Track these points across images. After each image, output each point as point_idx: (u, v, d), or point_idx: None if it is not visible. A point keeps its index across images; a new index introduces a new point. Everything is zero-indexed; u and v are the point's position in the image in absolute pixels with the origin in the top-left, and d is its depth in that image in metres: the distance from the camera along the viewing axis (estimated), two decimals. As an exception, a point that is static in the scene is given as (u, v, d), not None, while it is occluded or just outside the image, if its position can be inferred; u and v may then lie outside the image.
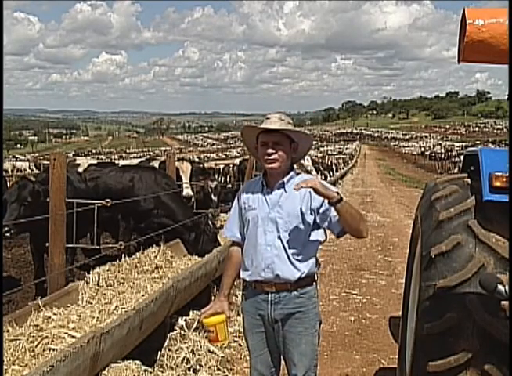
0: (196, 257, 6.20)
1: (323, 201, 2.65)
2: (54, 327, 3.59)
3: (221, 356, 4.45)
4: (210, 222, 6.73)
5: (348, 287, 7.38)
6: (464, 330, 2.74)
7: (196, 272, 5.12)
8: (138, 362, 3.56)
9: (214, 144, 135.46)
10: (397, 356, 3.95)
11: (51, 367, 2.70)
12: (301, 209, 2.71)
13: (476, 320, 2.69)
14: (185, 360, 4.21)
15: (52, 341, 3.39)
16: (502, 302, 1.84)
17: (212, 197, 9.68)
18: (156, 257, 5.79)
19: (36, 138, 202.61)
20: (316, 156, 34.57)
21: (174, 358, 4.20)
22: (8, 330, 3.43)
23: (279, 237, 2.71)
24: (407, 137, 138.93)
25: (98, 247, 6.29)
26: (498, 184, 2.77)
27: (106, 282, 4.74)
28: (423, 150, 67.43)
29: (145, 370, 3.56)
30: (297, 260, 2.71)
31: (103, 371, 3.35)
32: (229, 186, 13.35)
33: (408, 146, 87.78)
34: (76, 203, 5.00)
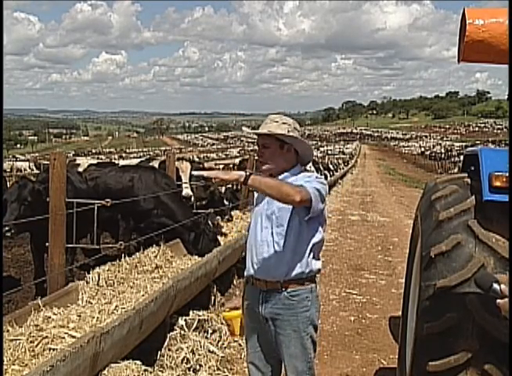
0: (196, 257, 6.20)
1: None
2: (54, 326, 3.59)
3: (221, 356, 4.46)
4: (209, 222, 6.73)
5: (348, 287, 7.38)
6: (464, 330, 2.75)
7: (196, 272, 5.12)
8: (138, 362, 3.56)
9: (214, 144, 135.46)
10: (397, 356, 3.95)
11: (51, 367, 2.70)
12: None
13: (476, 320, 2.69)
14: (185, 360, 4.21)
15: (52, 341, 3.39)
16: (498, 301, 1.85)
17: (225, 201, 9.67)
18: (156, 257, 5.78)
19: (36, 138, 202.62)
20: (316, 156, 34.55)
21: (174, 358, 4.20)
22: (8, 330, 3.43)
23: (272, 234, 2.71)
24: (407, 137, 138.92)
25: (98, 247, 6.29)
26: (498, 184, 2.77)
27: (106, 282, 4.74)
28: (423, 149, 67.45)
29: (145, 370, 3.56)
30: (288, 258, 2.67)
31: (103, 371, 3.34)
32: (229, 186, 13.34)
33: (408, 146, 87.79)
34: (76, 203, 4.99)
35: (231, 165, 16.62)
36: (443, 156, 52.20)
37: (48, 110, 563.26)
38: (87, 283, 4.63)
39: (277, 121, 2.72)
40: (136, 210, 6.48)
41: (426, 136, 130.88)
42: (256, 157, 2.85)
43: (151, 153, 75.58)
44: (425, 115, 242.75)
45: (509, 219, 2.63)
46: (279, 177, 2.75)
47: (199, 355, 4.30)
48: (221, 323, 4.98)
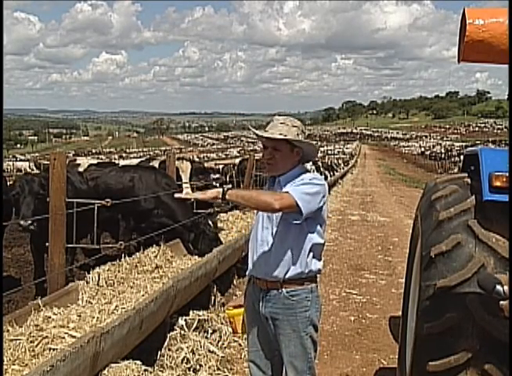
0: (196, 257, 6.20)
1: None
2: (54, 326, 3.59)
3: (221, 356, 4.45)
4: (210, 222, 6.72)
5: (348, 287, 7.38)
6: (464, 330, 2.75)
7: (196, 272, 5.12)
8: (138, 362, 3.56)
9: (214, 144, 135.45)
10: (397, 356, 3.95)
11: (51, 367, 2.70)
12: None
13: (476, 320, 2.69)
14: (185, 360, 4.21)
15: (52, 341, 3.39)
16: (501, 302, 1.85)
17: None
18: (156, 257, 5.78)
19: (36, 138, 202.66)
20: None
21: (174, 358, 4.20)
22: (8, 330, 3.43)
23: (272, 234, 2.73)
24: (407, 137, 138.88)
25: (98, 247, 6.29)
26: (498, 184, 2.77)
27: (106, 282, 4.74)
28: (423, 149, 67.44)
29: (145, 370, 3.56)
30: (287, 258, 2.69)
31: (103, 371, 3.34)
32: (229, 185, 13.35)
33: (408, 146, 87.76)
34: (76, 203, 4.99)
35: (231, 165, 16.60)
36: (443, 156, 52.16)
37: (48, 110, 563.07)
38: (87, 283, 4.63)
39: (287, 124, 2.72)
40: (136, 210, 6.48)
41: (426, 136, 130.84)
42: (261, 158, 2.89)
43: (151, 153, 75.60)
44: (425, 115, 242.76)
45: (509, 219, 2.63)
46: (281, 178, 2.76)
47: (199, 355, 4.30)
48: (222, 323, 4.99)
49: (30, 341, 3.32)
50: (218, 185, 9.57)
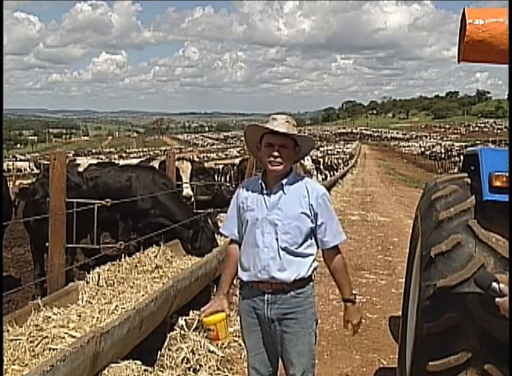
0: (196, 257, 6.20)
1: (319, 204, 2.71)
2: (54, 326, 3.59)
3: (221, 356, 4.45)
4: (209, 221, 6.72)
5: (348, 287, 7.37)
6: (464, 330, 2.74)
7: (196, 271, 5.12)
8: (138, 362, 3.56)
9: (214, 144, 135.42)
10: (397, 356, 3.95)
11: (51, 367, 2.70)
12: (299, 211, 2.71)
13: (476, 320, 2.69)
14: (185, 360, 4.21)
15: (52, 340, 3.39)
16: (497, 299, 1.87)
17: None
18: (156, 257, 5.79)
19: (36, 138, 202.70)
20: (316, 156, 34.55)
21: (174, 358, 4.20)
22: (8, 330, 3.43)
23: (277, 239, 2.70)
24: (407, 137, 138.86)
25: (98, 247, 6.29)
26: (498, 184, 2.77)
27: (106, 282, 4.74)
28: (423, 149, 67.44)
29: (145, 370, 3.56)
30: (294, 262, 2.70)
31: (103, 371, 3.34)
32: (228, 185, 13.35)
33: (408, 146, 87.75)
34: (75, 202, 4.99)
35: (231, 165, 16.61)
36: (443, 156, 52.15)
37: (48, 110, 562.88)
38: (87, 283, 4.63)
39: (290, 122, 2.72)
40: (134, 210, 6.47)
41: (426, 136, 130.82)
42: (266, 156, 2.84)
43: (151, 153, 75.59)
44: (425, 115, 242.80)
45: (509, 219, 2.62)
46: (283, 181, 2.73)
47: (199, 355, 4.29)
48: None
49: (30, 341, 3.32)
50: (217, 186, 9.57)
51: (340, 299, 2.93)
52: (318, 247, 2.80)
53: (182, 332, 4.60)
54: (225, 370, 4.30)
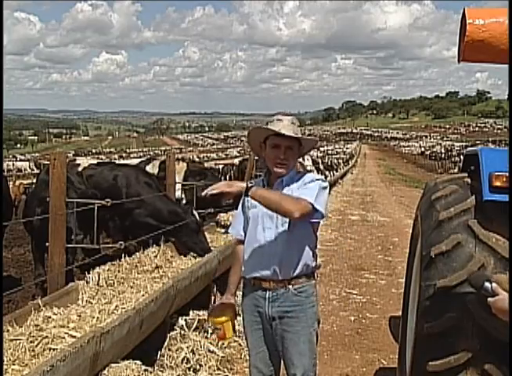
0: (196, 256, 6.20)
1: (307, 183, 2.71)
2: (54, 326, 3.59)
3: (221, 356, 4.45)
4: (193, 212, 6.64)
5: (348, 287, 7.38)
6: (464, 330, 2.75)
7: (196, 271, 5.12)
8: (138, 362, 3.56)
9: (214, 144, 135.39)
10: (397, 356, 3.95)
11: (51, 367, 2.70)
12: None
13: (476, 320, 2.69)
14: (185, 360, 4.21)
15: (52, 340, 3.38)
16: (489, 299, 1.89)
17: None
18: (156, 257, 5.79)
19: (36, 138, 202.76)
20: (316, 156, 34.55)
21: (174, 358, 4.20)
22: (8, 330, 3.42)
23: (278, 234, 2.72)
24: (407, 137, 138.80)
25: (98, 246, 6.28)
26: (498, 184, 2.77)
27: (106, 282, 4.73)
28: (423, 149, 67.41)
29: (145, 370, 3.56)
30: (295, 256, 2.72)
31: (103, 371, 3.34)
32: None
33: (408, 146, 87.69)
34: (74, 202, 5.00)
35: (231, 165, 16.61)
36: (443, 156, 52.09)
37: (48, 110, 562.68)
38: (87, 283, 4.63)
39: (295, 123, 2.75)
40: (120, 208, 6.48)
41: (426, 136, 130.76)
42: (272, 158, 2.85)
43: (151, 153, 75.60)
44: (425, 115, 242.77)
45: (509, 219, 2.63)
46: (284, 178, 2.76)
47: (199, 355, 4.29)
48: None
49: (30, 341, 3.32)
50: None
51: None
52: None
53: (182, 332, 4.60)
54: (225, 370, 4.30)
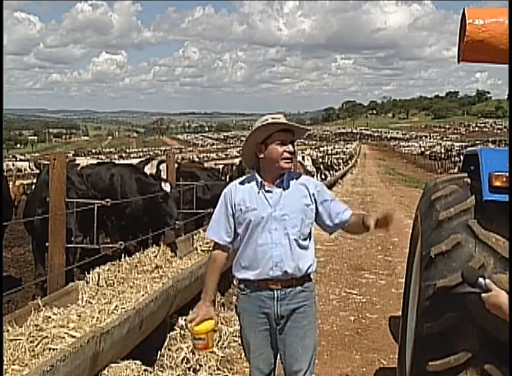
0: (196, 257, 6.20)
1: (319, 191, 2.78)
2: (54, 326, 3.59)
3: (221, 356, 4.45)
4: (163, 187, 6.65)
5: (348, 287, 7.37)
6: (464, 330, 2.75)
7: (196, 271, 5.13)
8: (138, 362, 3.56)
9: (214, 144, 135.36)
10: (397, 356, 3.95)
11: (51, 367, 2.70)
12: (303, 203, 2.75)
13: (476, 320, 2.69)
14: (185, 360, 4.21)
15: (52, 340, 3.39)
16: (483, 295, 1.91)
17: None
18: (156, 257, 5.79)
19: (36, 138, 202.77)
20: (316, 156, 34.55)
21: (174, 358, 4.20)
22: (8, 330, 3.42)
23: (286, 234, 2.70)
24: (407, 137, 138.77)
25: (97, 246, 6.29)
26: (498, 184, 2.77)
27: (106, 282, 4.74)
28: (423, 149, 67.40)
29: (145, 370, 3.57)
30: (303, 255, 2.73)
31: (103, 371, 3.35)
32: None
33: (408, 146, 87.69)
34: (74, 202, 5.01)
35: (231, 165, 16.61)
36: (443, 156, 52.07)
37: (48, 110, 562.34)
38: (87, 283, 4.63)
39: (285, 117, 2.81)
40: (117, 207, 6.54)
41: (426, 136, 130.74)
42: (280, 154, 2.83)
43: (151, 153, 75.58)
44: (425, 115, 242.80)
45: (509, 219, 2.63)
46: (284, 177, 2.76)
47: (199, 355, 4.29)
48: (222, 323, 4.97)
49: (30, 341, 3.32)
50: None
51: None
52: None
53: (182, 332, 4.61)
54: (225, 370, 4.30)
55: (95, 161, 10.14)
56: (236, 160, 16.74)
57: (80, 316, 3.87)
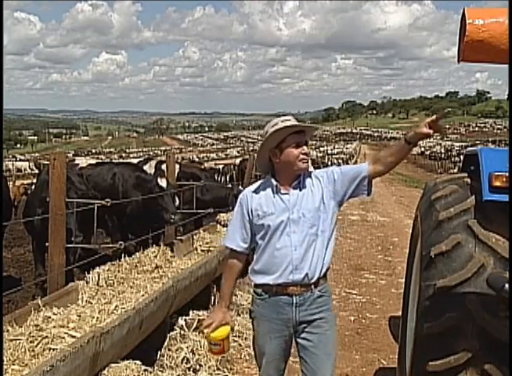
0: (196, 257, 6.20)
1: (330, 174, 2.73)
2: (54, 326, 3.59)
3: (222, 356, 4.45)
4: (158, 182, 6.68)
5: (348, 287, 7.38)
6: (464, 330, 2.75)
7: (196, 271, 5.13)
8: (138, 362, 3.56)
9: (214, 144, 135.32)
10: (397, 356, 3.95)
11: (51, 367, 2.70)
12: (319, 200, 2.69)
13: (476, 320, 2.69)
14: (185, 360, 4.21)
15: (52, 341, 3.39)
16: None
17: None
18: (156, 257, 5.78)
19: (36, 138, 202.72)
20: (316, 156, 34.53)
21: (174, 358, 4.20)
22: (8, 330, 3.42)
23: (306, 237, 2.66)
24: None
25: (97, 247, 6.29)
26: (498, 184, 2.77)
27: (106, 282, 4.73)
28: (423, 149, 67.40)
29: (145, 370, 3.56)
30: (321, 258, 2.68)
31: (103, 371, 3.35)
32: (229, 185, 13.36)
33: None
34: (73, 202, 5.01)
35: (231, 165, 16.61)
36: (443, 156, 52.06)
37: (48, 110, 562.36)
38: (87, 283, 4.63)
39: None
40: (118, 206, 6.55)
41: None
42: (297, 156, 2.83)
43: (151, 153, 75.59)
44: (425, 115, 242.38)
45: (509, 219, 2.63)
46: (300, 178, 2.75)
47: (199, 355, 4.29)
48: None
49: (30, 341, 3.32)
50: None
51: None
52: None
53: (182, 332, 4.60)
54: (225, 370, 4.30)
55: (94, 161, 10.15)
56: (237, 160, 16.73)
57: (80, 316, 3.87)
